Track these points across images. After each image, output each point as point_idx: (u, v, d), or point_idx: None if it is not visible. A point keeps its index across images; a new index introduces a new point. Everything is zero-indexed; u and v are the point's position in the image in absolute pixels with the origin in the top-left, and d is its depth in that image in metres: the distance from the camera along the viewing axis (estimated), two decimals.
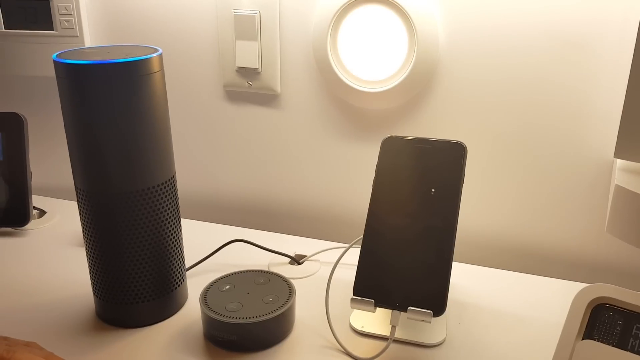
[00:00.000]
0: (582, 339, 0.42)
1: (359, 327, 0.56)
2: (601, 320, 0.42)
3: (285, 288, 0.56)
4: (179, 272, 0.58)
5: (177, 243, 0.57)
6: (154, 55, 0.50)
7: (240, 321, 0.51)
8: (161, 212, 0.54)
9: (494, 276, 0.66)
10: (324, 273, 0.66)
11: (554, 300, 0.61)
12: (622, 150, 0.45)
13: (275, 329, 0.54)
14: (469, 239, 0.73)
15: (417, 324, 0.56)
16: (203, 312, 0.54)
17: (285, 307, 0.53)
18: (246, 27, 0.72)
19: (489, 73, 0.65)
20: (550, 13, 0.61)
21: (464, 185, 0.55)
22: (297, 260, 0.68)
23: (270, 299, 0.54)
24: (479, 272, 0.67)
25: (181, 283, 0.59)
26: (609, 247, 0.66)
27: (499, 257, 0.72)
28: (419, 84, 0.67)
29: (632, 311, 0.42)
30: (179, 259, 0.58)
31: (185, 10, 0.74)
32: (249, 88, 0.75)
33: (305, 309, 0.59)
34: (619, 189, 0.44)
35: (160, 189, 0.53)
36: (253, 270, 0.59)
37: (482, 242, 0.72)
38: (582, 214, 0.67)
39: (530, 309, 0.60)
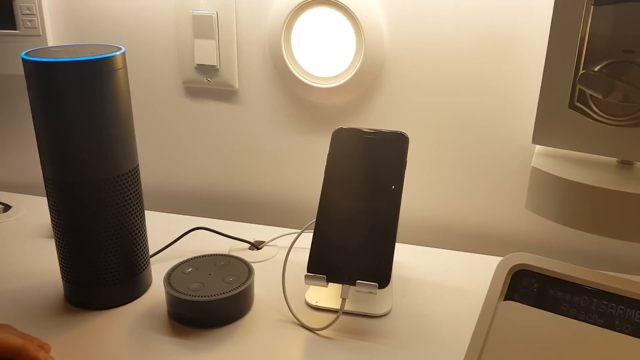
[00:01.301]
0: (504, 301, 0.48)
1: (313, 303, 0.61)
2: (520, 284, 0.48)
3: (244, 269, 0.61)
4: (143, 257, 0.62)
5: (141, 229, 0.61)
6: (118, 53, 0.54)
7: (203, 299, 0.56)
8: (126, 200, 0.58)
9: (434, 254, 0.73)
10: (281, 257, 0.71)
11: (486, 273, 0.67)
12: (538, 137, 0.52)
13: (236, 306, 0.58)
14: (412, 222, 0.78)
15: (365, 298, 0.62)
16: (167, 292, 0.58)
17: (245, 286, 0.58)
18: (204, 27, 0.76)
19: (428, 71, 0.71)
20: (481, 14, 0.67)
21: (407, 171, 0.61)
22: (256, 245, 0.73)
23: (231, 279, 0.59)
24: (421, 251, 0.74)
25: (145, 267, 0.63)
26: (530, 224, 0.73)
27: (438, 237, 0.78)
28: (366, 80, 0.73)
29: (546, 275, 0.48)
30: (142, 245, 0.61)
31: (144, 10, 0.78)
32: (208, 84, 0.79)
33: (264, 289, 0.64)
34: (535, 170, 0.50)
35: (125, 179, 0.57)
36: (214, 254, 0.64)
37: (423, 225, 0.78)
38: (510, 195, 0.73)
39: (466, 281, 0.66)
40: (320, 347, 0.55)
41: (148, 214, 0.66)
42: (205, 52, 0.77)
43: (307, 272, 0.57)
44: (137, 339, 0.55)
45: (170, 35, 0.78)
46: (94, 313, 0.59)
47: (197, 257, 0.63)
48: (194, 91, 0.81)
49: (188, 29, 0.77)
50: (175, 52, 0.79)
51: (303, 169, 0.80)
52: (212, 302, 0.56)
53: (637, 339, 0.43)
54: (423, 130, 0.74)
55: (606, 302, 0.45)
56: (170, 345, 0.55)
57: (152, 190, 0.87)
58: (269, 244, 0.74)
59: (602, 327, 0.44)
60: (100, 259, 0.58)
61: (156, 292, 0.63)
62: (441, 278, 0.67)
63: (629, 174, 0.49)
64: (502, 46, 0.67)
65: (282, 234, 0.75)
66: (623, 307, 0.45)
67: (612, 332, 0.44)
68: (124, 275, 0.60)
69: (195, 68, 0.79)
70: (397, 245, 0.75)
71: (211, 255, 0.63)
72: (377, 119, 0.75)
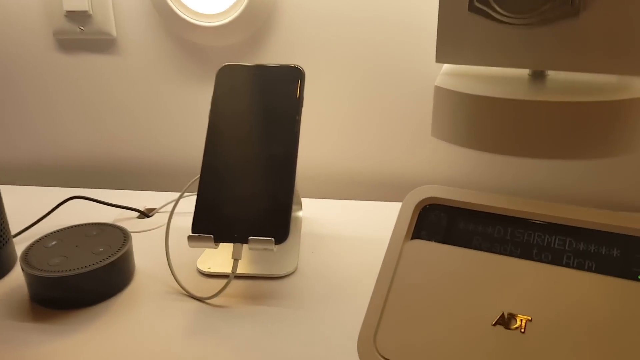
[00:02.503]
0: (411, 239, 0.41)
1: (205, 269, 0.53)
2: (429, 220, 0.42)
3: (119, 237, 0.52)
4: None
5: None
6: None
7: (62, 274, 0.46)
8: None
9: (345, 207, 0.66)
10: (176, 223, 0.62)
11: None
12: (442, 53, 0.45)
13: (107, 279, 0.49)
14: (319, 174, 0.71)
15: (269, 259, 0.54)
16: (24, 272, 0.48)
17: (118, 255, 0.49)
18: None
19: (327, 6, 0.63)
20: None
21: (307, 114, 0.53)
22: (146, 213, 0.64)
23: (101, 249, 0.50)
24: (331, 204, 0.66)
25: (2, 246, 0.52)
26: (443, 163, 0.67)
27: (348, 188, 0.71)
28: (259, 16, 0.64)
29: (456, 207, 0.41)
30: None
31: None
32: (81, 34, 0.69)
33: (152, 259, 0.55)
34: (438, 90, 0.43)
35: None
36: (84, 224, 0.54)
37: (330, 176, 0.71)
38: (420, 133, 0.67)
39: (380, 231, 0.60)
40: (210, 316, 0.47)
41: (16, 189, 0.56)
42: None
43: (192, 232, 0.49)
44: None
45: None
46: None
47: (63, 229, 0.53)
48: (66, 44, 0.70)
49: None
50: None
51: (198, 123, 0.71)
52: (74, 276, 0.46)
53: (558, 267, 0.37)
54: (321, 70, 0.66)
55: (522, 230, 0.39)
56: (31, 333, 0.45)
57: (23, 161, 0.75)
58: (160, 210, 0.64)
59: (519, 257, 0.38)
60: None
61: (18, 275, 0.53)
62: (355, 231, 0.60)
63: (542, 85, 0.43)
64: None
65: (175, 198, 0.66)
66: (541, 234, 0.39)
67: (530, 261, 0.38)
68: None
69: (65, 16, 0.68)
70: (306, 200, 0.67)
71: (81, 225, 0.54)
72: (274, 60, 0.66)
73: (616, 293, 0.35)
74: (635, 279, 0.35)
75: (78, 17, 0.68)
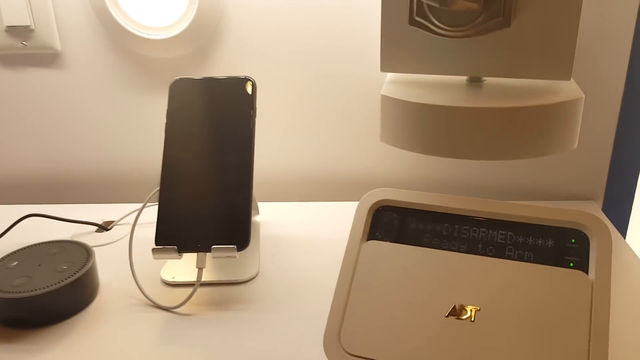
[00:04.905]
0: (367, 241, 0.44)
1: (170, 279, 0.54)
2: (382, 221, 0.45)
3: (82, 253, 0.52)
4: None
5: None
6: None
7: (28, 294, 0.47)
8: None
9: (301, 209, 0.68)
10: (135, 234, 0.63)
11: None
12: (386, 63, 0.48)
13: (73, 296, 0.49)
14: (274, 178, 0.73)
15: (231, 265, 0.56)
16: None
17: (82, 272, 0.50)
18: None
19: (273, 16, 0.65)
20: None
21: (263, 126, 0.55)
22: (104, 227, 0.64)
23: (65, 267, 0.50)
24: (286, 207, 0.69)
25: None
26: (391, 165, 0.71)
27: (302, 190, 0.73)
28: (205, 29, 0.65)
29: (406, 208, 0.45)
30: None
31: None
32: (24, 49, 0.68)
33: (114, 274, 0.56)
34: (384, 98, 0.46)
35: None
36: (45, 242, 0.54)
37: (285, 179, 0.73)
38: (370, 136, 0.70)
39: (337, 231, 0.63)
40: (178, 325, 0.48)
41: None
42: (14, 11, 0.65)
43: (156, 244, 0.50)
44: None
45: None
46: None
47: (23, 249, 0.53)
48: (7, 59, 0.69)
49: None
50: None
51: (147, 134, 0.71)
52: (40, 296, 0.47)
53: (501, 260, 0.41)
54: (271, 79, 0.68)
55: (467, 227, 0.43)
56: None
57: None
58: (119, 222, 0.65)
59: (466, 252, 0.42)
60: None
61: None
62: (312, 232, 0.63)
63: (478, 91, 0.47)
64: None
65: (132, 210, 0.67)
66: (485, 230, 0.42)
67: (476, 256, 0.41)
68: None
69: (5, 31, 0.67)
70: (262, 204, 0.69)
71: (42, 243, 0.54)
72: (223, 72, 0.68)
73: (552, 280, 0.39)
74: (567, 266, 0.40)
75: (20, 32, 0.67)
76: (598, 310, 0.37)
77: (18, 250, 0.53)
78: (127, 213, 0.66)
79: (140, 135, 0.71)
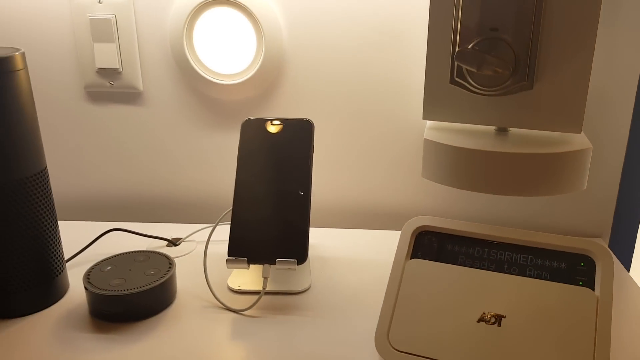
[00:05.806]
0: (410, 259, 0.53)
1: (236, 287, 0.64)
2: (423, 243, 0.54)
3: (164, 262, 0.62)
4: (57, 261, 0.61)
5: (53, 231, 0.60)
6: (17, 53, 0.53)
7: (126, 292, 0.56)
8: (35, 203, 0.57)
9: (346, 235, 0.78)
10: (199, 250, 0.72)
11: (393, 246, 0.73)
12: (427, 113, 0.58)
13: (160, 297, 0.59)
14: (323, 206, 0.83)
15: (286, 277, 0.65)
16: (88, 291, 0.57)
17: (167, 276, 0.59)
18: (103, 30, 0.76)
19: (326, 64, 0.76)
20: (369, 10, 0.73)
21: (315, 156, 0.65)
22: (173, 242, 0.74)
23: (152, 272, 0.60)
24: (333, 233, 0.78)
25: (61, 272, 0.62)
26: (428, 197, 0.81)
27: (349, 219, 0.83)
28: (269, 75, 0.76)
29: (444, 233, 0.54)
30: (56, 248, 0.60)
31: (40, 14, 0.76)
32: (111, 88, 0.79)
33: (186, 282, 0.65)
34: (427, 142, 0.56)
35: (33, 181, 0.56)
36: (132, 252, 0.64)
37: (333, 208, 0.83)
38: (408, 171, 0.80)
39: (376, 255, 0.72)
40: (246, 326, 0.57)
41: (61, 224, 0.65)
42: (106, 56, 0.77)
43: (228, 256, 0.59)
44: (60, 340, 0.55)
45: (67, 39, 0.77)
46: (8, 321, 0.58)
47: (115, 256, 0.63)
48: (96, 95, 0.80)
49: (86, 33, 0.76)
50: (74, 56, 0.78)
51: (215, 165, 0.82)
52: (136, 294, 0.56)
53: (523, 277, 0.50)
54: (325, 119, 0.79)
55: (495, 250, 0.52)
56: (94, 342, 0.55)
57: (61, 198, 0.85)
58: (186, 239, 0.75)
59: (494, 271, 0.51)
60: (13, 263, 0.56)
61: (74, 295, 0.62)
62: (354, 254, 0.72)
63: (505, 139, 0.57)
64: (389, 38, 0.74)
65: (198, 229, 0.77)
66: (510, 253, 0.52)
67: (502, 274, 0.50)
68: (38, 280, 0.59)
69: (97, 72, 0.78)
70: (311, 229, 0.79)
71: (129, 252, 0.64)
72: (283, 111, 0.79)
73: (565, 295, 0.48)
74: (577, 284, 0.49)
75: (108, 73, 0.78)
76: (602, 320, 0.46)
77: (110, 257, 0.63)
78: (192, 232, 0.76)
79: (205, 166, 0.82)
